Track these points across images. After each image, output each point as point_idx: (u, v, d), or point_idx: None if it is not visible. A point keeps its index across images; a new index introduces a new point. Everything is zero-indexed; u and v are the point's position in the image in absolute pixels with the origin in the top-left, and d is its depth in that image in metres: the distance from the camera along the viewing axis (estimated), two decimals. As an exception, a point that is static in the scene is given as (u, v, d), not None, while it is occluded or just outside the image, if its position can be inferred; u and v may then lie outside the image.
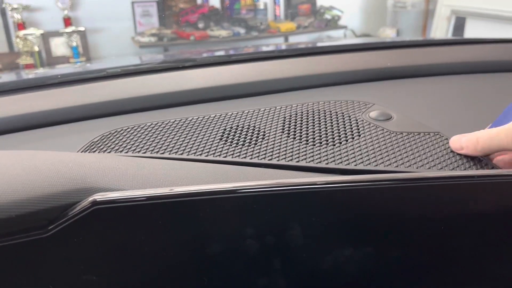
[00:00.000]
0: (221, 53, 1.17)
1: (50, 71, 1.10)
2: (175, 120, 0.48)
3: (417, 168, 0.39)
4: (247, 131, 0.46)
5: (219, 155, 0.42)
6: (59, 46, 2.69)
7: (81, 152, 0.45)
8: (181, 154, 0.43)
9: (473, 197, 0.34)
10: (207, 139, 0.45)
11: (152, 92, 0.68)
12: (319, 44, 1.22)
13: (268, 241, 0.33)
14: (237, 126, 0.47)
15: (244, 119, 0.48)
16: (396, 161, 0.40)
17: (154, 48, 2.88)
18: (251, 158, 0.42)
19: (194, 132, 0.46)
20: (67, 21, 2.66)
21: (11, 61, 2.56)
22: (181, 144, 0.44)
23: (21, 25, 2.56)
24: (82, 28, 2.67)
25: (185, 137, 0.45)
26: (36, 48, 2.57)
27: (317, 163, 0.40)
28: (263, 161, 0.42)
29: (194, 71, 0.75)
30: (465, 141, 0.40)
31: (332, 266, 0.35)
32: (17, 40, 2.54)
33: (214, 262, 0.33)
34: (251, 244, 0.33)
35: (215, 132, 0.46)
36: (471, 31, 2.78)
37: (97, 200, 0.30)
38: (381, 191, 0.33)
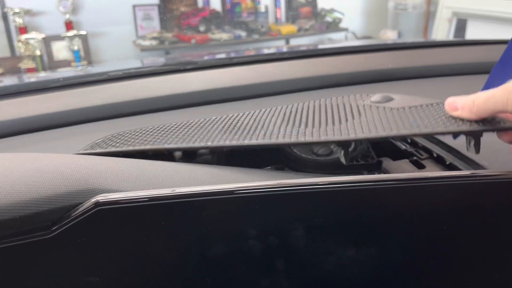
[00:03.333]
0: (223, 55, 1.17)
1: (52, 74, 1.11)
2: (176, 123, 0.48)
3: (419, 130, 0.37)
4: (246, 125, 0.45)
5: (218, 141, 0.42)
6: (60, 50, 2.69)
7: (83, 151, 0.45)
8: (181, 143, 0.43)
9: (475, 196, 0.34)
10: (207, 132, 0.45)
11: (154, 95, 0.68)
12: (320, 46, 1.22)
13: (270, 242, 0.33)
14: (237, 122, 0.46)
15: (244, 118, 0.48)
16: (397, 127, 0.38)
17: (155, 51, 2.88)
18: (249, 140, 0.41)
19: (194, 130, 0.46)
20: (69, 25, 2.67)
21: (13, 65, 2.56)
22: (180, 138, 0.44)
23: (22, 29, 2.56)
24: (83, 32, 2.67)
25: (185, 133, 0.45)
26: (38, 52, 2.57)
27: (316, 138, 0.39)
28: (261, 142, 0.40)
29: (195, 74, 0.75)
30: (461, 103, 0.38)
31: (336, 266, 0.35)
32: (19, 44, 2.54)
33: (217, 262, 0.33)
34: (253, 245, 0.33)
35: (215, 128, 0.45)
36: (473, 32, 2.77)
37: (100, 201, 0.31)
38: (383, 191, 0.33)
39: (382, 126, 0.38)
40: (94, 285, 0.32)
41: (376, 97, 0.46)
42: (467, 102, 0.37)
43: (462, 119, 0.37)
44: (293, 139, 0.39)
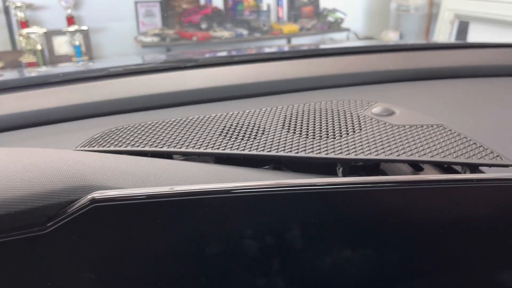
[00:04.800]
0: (223, 53, 1.17)
1: (53, 69, 1.10)
2: (176, 119, 0.48)
3: (419, 157, 0.38)
4: (246, 128, 0.45)
5: (218, 148, 0.42)
6: (61, 45, 2.69)
7: (81, 147, 0.45)
8: (180, 147, 0.43)
9: (472, 200, 0.34)
10: (207, 135, 0.45)
11: (154, 92, 0.68)
12: (322, 46, 1.22)
13: (267, 242, 0.33)
14: (237, 123, 0.47)
15: (244, 118, 0.48)
16: (397, 151, 0.39)
17: (156, 48, 2.89)
18: (250, 150, 0.42)
19: (194, 129, 0.46)
20: (70, 20, 2.67)
21: (14, 59, 2.56)
22: (180, 139, 0.44)
23: (24, 24, 2.56)
24: (85, 27, 2.67)
25: (185, 133, 0.45)
26: (39, 47, 2.57)
27: (316, 154, 0.40)
28: (261, 153, 0.41)
29: (196, 72, 0.75)
30: None
31: (331, 268, 0.35)
32: (20, 39, 2.54)
33: (212, 261, 0.33)
34: (250, 244, 0.33)
35: (215, 129, 0.46)
36: (474, 35, 2.77)
37: (96, 198, 0.30)
38: (381, 193, 0.33)
39: (382, 147, 0.40)
40: (89, 281, 0.32)
41: (377, 109, 0.47)
42: None
43: (460, 149, 0.39)
44: (293, 153, 0.41)
